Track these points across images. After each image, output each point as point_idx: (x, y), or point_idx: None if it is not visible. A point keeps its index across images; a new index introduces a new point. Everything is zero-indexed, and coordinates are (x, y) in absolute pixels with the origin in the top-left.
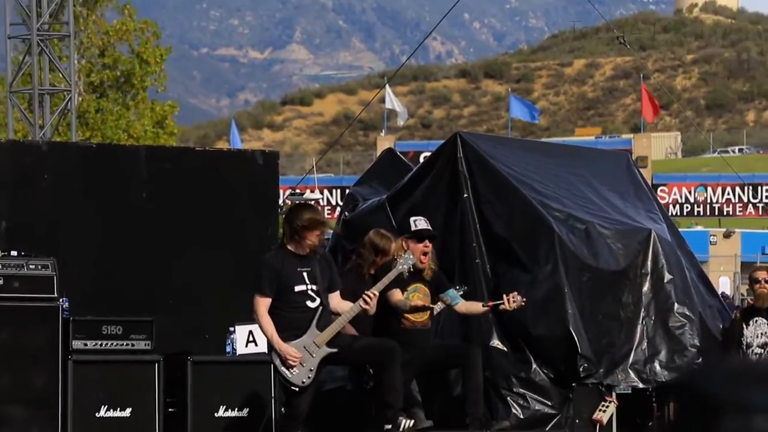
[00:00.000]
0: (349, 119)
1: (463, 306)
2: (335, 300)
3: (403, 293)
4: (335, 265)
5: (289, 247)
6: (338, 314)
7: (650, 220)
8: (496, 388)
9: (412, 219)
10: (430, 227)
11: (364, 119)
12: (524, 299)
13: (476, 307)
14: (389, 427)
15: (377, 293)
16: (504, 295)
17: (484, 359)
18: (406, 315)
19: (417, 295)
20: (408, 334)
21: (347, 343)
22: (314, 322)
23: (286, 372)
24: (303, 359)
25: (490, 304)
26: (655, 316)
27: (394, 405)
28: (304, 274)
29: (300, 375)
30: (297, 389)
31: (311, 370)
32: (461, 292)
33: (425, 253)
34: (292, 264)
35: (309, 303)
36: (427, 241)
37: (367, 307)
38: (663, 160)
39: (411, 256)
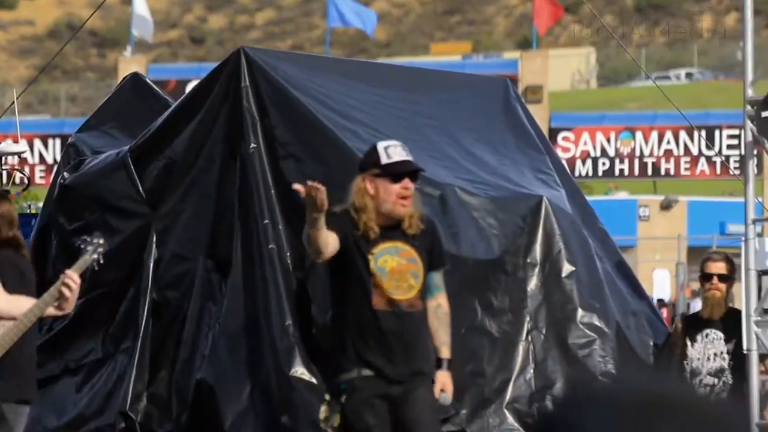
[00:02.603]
0: (74, 30)
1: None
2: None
3: (369, 256)
4: None
5: None
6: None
7: (541, 184)
8: None
9: (381, 146)
10: (410, 156)
11: (99, 30)
12: None
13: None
14: None
15: (75, 283)
16: None
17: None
18: (381, 285)
19: (394, 259)
20: (379, 318)
21: None
22: None
23: None
24: None
25: None
26: (546, 329)
27: None
28: None
29: None
30: None
31: None
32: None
33: (404, 197)
34: None
35: None
36: (407, 179)
37: (58, 312)
38: (568, 92)
39: (101, 241)
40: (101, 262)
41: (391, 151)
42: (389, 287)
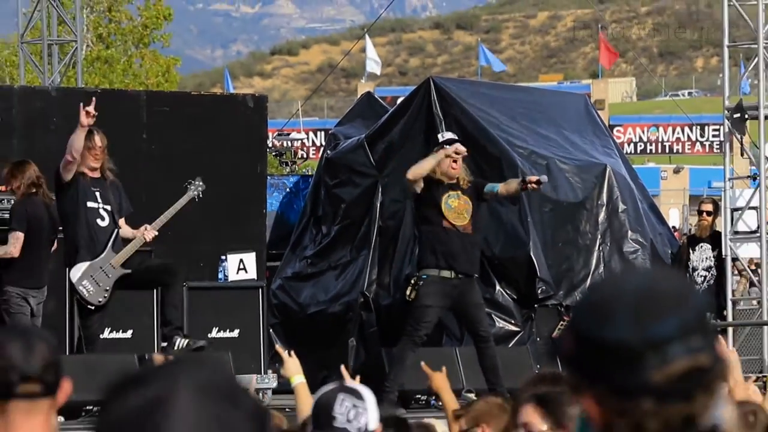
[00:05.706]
0: (332, 67)
1: (503, 188)
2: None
3: (441, 200)
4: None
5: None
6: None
7: (606, 156)
8: None
9: (438, 134)
10: (455, 136)
11: (346, 67)
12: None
13: (513, 185)
14: (165, 344)
15: (155, 230)
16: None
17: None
18: (449, 215)
19: (456, 200)
20: (448, 234)
21: (137, 264)
22: (110, 244)
23: (84, 291)
24: (99, 279)
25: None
26: (610, 243)
27: (174, 322)
28: (97, 193)
29: (96, 294)
30: (93, 308)
31: (107, 290)
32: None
33: (455, 161)
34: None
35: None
36: (458, 145)
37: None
38: (619, 103)
39: (200, 183)
40: (200, 197)
41: (446, 135)
42: (453, 216)
